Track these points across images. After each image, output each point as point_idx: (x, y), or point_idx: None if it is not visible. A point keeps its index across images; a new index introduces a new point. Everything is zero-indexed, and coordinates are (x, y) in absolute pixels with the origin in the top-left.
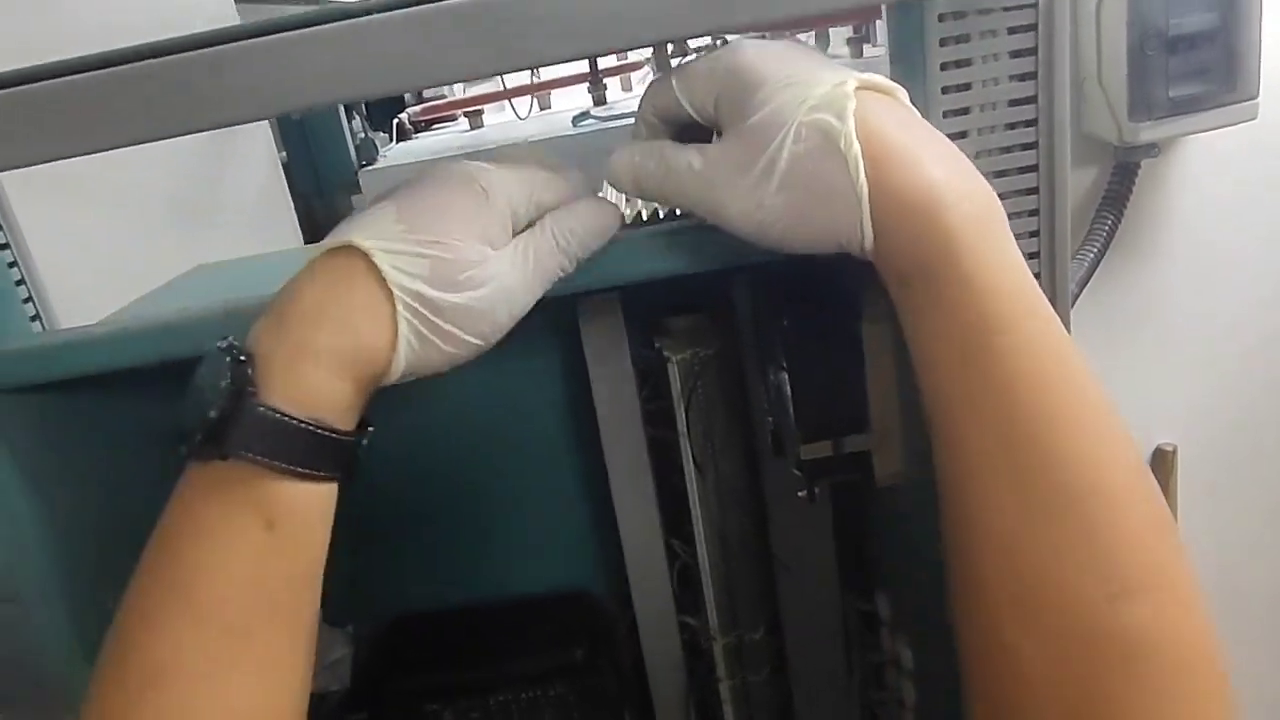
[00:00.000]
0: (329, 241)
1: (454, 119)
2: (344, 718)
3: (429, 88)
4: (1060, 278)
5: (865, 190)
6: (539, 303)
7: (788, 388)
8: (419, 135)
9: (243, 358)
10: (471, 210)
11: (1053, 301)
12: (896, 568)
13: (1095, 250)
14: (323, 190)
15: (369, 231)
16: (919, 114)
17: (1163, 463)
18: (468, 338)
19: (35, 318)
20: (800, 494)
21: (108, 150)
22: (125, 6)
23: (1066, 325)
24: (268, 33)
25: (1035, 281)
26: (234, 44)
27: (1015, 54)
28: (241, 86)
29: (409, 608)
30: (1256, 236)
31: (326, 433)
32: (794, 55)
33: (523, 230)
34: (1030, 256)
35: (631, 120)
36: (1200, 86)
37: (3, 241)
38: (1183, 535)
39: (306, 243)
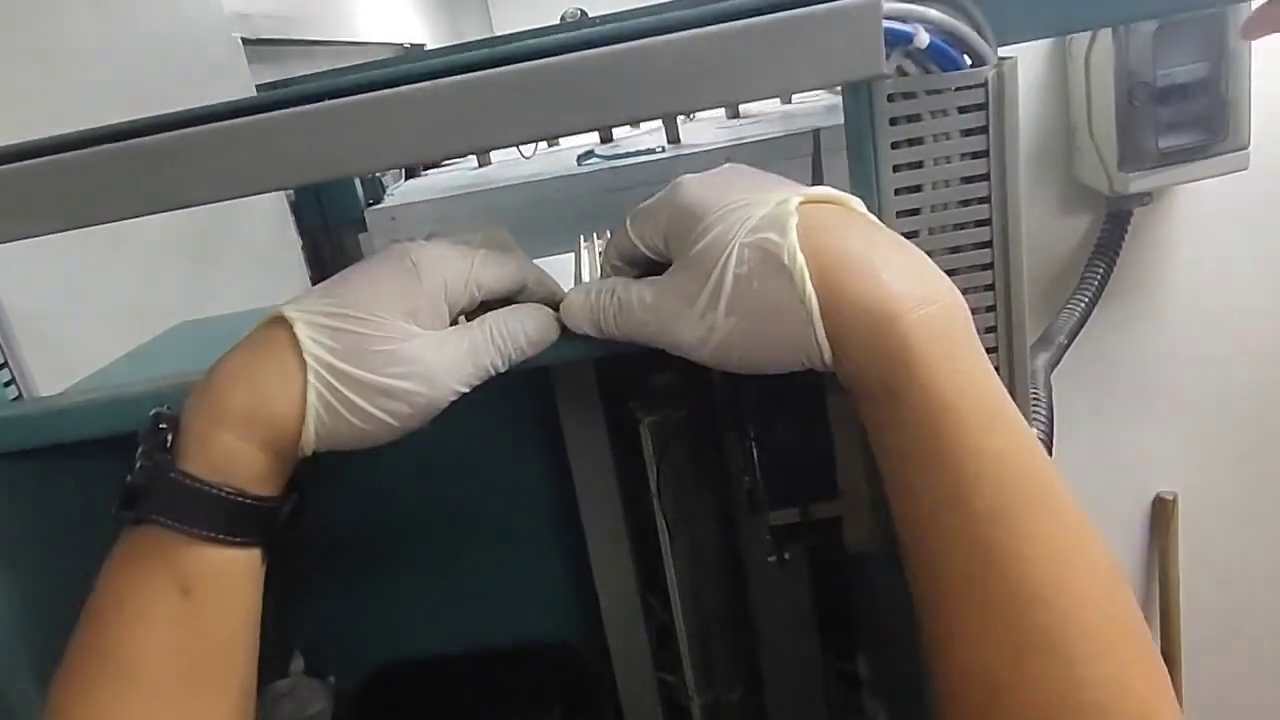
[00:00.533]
0: (269, 314)
1: (462, 156)
2: None
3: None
4: (1019, 351)
5: (814, 303)
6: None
7: (754, 455)
8: (427, 172)
9: (163, 425)
10: (399, 287)
11: (1010, 380)
12: (874, 630)
13: (1088, 298)
14: (329, 228)
15: (301, 304)
16: (875, 220)
17: (1163, 511)
18: (380, 415)
19: (10, 383)
20: (771, 559)
21: (132, 218)
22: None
23: (1024, 405)
24: (270, 108)
25: (1002, 388)
26: (252, 117)
27: (966, 132)
28: (258, 160)
29: (391, 659)
30: (1250, 283)
31: (241, 499)
32: (738, 182)
33: (465, 309)
34: (987, 330)
35: (636, 159)
36: (1190, 137)
37: None
38: (1185, 583)
39: (313, 282)
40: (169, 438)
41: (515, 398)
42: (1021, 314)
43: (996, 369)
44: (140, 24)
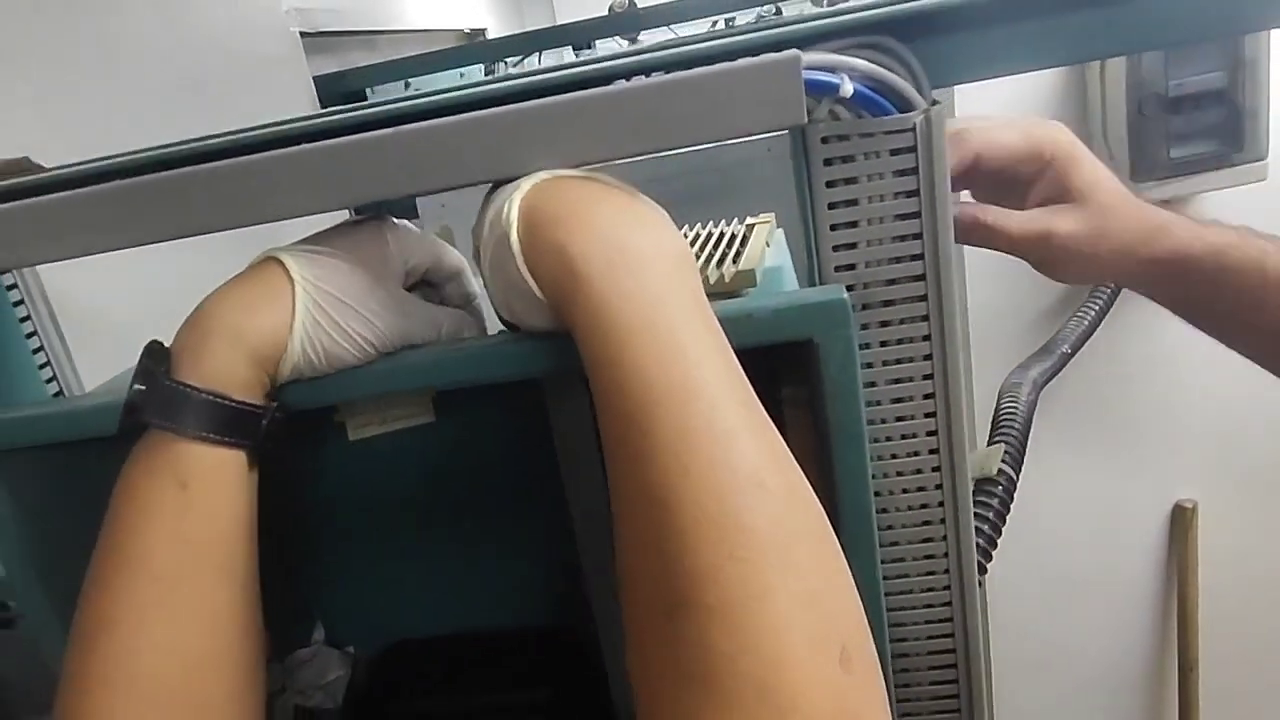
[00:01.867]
0: (264, 253)
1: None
2: None
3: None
4: (953, 375)
5: (517, 248)
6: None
7: None
8: None
9: (159, 343)
10: (374, 250)
11: (945, 402)
12: None
13: (1098, 306)
14: (381, 211)
15: (289, 247)
16: (604, 184)
17: (1182, 519)
18: (355, 336)
19: (51, 380)
20: None
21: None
22: (192, 32)
23: (959, 422)
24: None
25: (682, 316)
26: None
27: (899, 173)
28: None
29: (407, 633)
30: None
31: (228, 403)
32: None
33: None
34: (924, 358)
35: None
36: (1205, 147)
37: (24, 315)
38: (1204, 590)
39: None
40: (166, 354)
41: (514, 398)
42: (955, 342)
43: (930, 394)
44: (202, 21)
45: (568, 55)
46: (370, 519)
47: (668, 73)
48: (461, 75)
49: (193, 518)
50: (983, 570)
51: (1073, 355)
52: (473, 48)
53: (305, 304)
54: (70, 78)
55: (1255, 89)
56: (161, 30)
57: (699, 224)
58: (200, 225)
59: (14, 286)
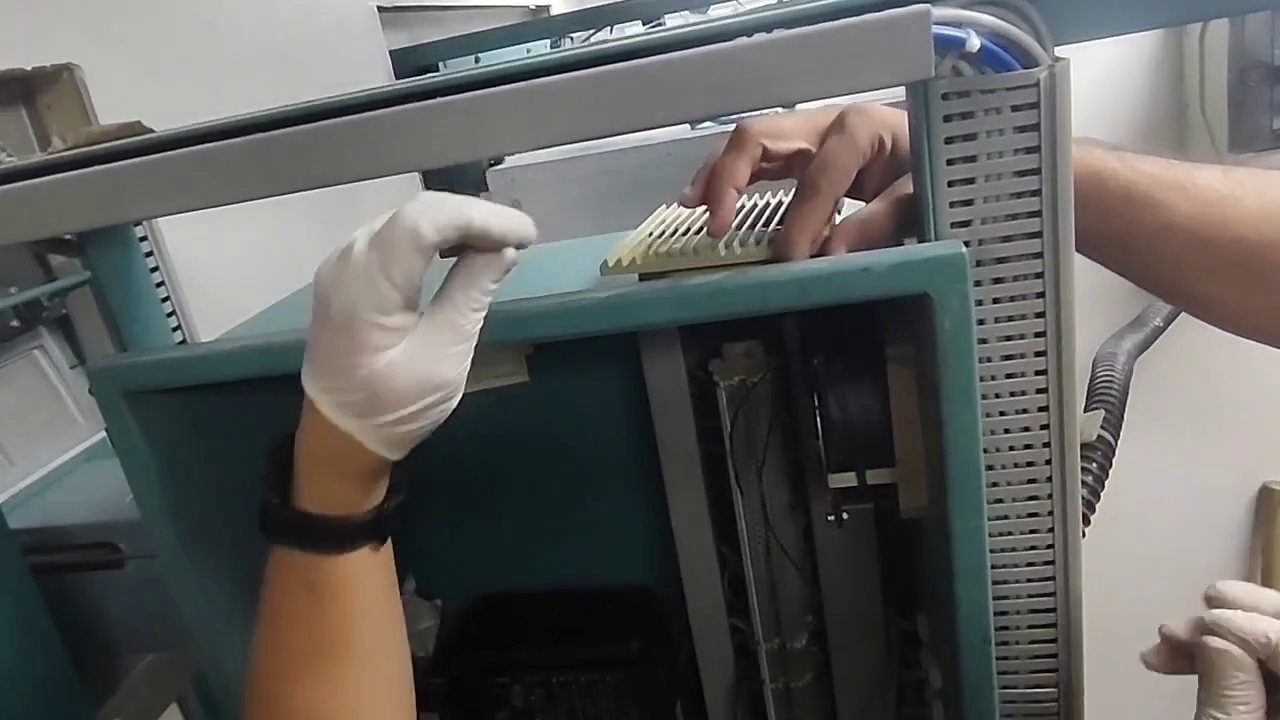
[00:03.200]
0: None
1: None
2: (426, 681)
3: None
4: (1066, 338)
5: None
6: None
7: (819, 421)
8: None
9: (278, 461)
10: (365, 338)
11: (1058, 368)
12: (929, 593)
13: None
14: (453, 189)
15: (310, 381)
16: None
17: (1269, 501)
18: (426, 422)
19: (177, 329)
20: (830, 518)
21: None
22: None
23: (1070, 394)
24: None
25: None
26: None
27: (1019, 129)
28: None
29: (493, 588)
30: None
31: (347, 522)
32: None
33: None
34: (1036, 315)
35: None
36: None
37: (154, 265)
38: None
39: None
40: (285, 477)
41: (608, 360)
42: (1070, 305)
43: (1042, 352)
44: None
45: (635, 30)
46: (463, 477)
47: (790, 29)
48: (529, 50)
49: (322, 613)
50: (1091, 512)
51: (1165, 329)
52: (539, 23)
53: (373, 438)
54: (170, 54)
55: None
56: (251, 8)
57: (745, 197)
58: (289, 184)
59: (145, 239)
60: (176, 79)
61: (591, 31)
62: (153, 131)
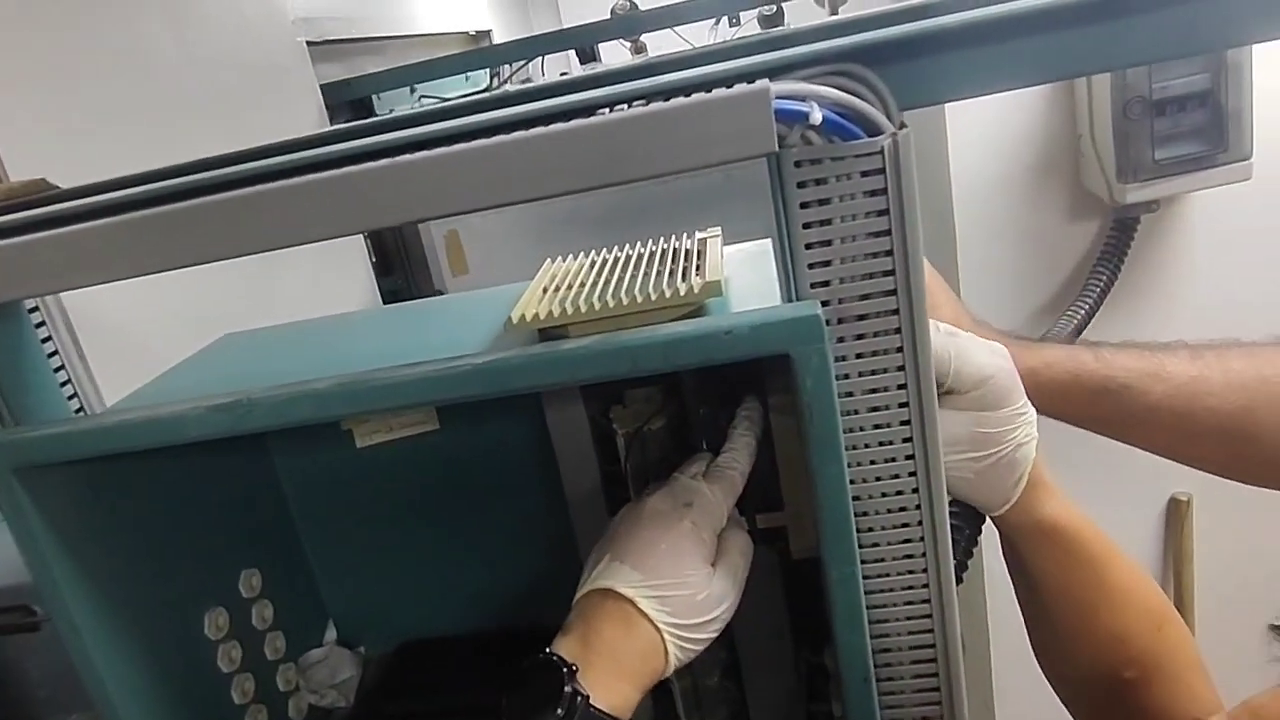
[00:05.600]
0: (592, 584)
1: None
2: None
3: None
4: (926, 387)
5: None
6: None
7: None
8: None
9: (573, 668)
10: (691, 546)
11: (921, 418)
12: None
13: (1089, 304)
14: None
15: (628, 581)
16: None
17: (1177, 512)
18: (708, 637)
19: (73, 397)
20: None
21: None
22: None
23: (930, 431)
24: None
25: None
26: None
27: (870, 194)
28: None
29: (416, 633)
30: (1257, 289)
31: None
32: None
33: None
34: (897, 369)
35: None
36: (1189, 148)
37: (45, 335)
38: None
39: (376, 271)
40: (566, 667)
41: (513, 407)
42: (927, 353)
43: (905, 403)
44: (208, 35)
45: (572, 59)
46: (379, 522)
47: (648, 102)
48: (467, 79)
49: None
50: (964, 568)
51: None
52: (477, 53)
53: (675, 644)
54: (79, 94)
55: (1238, 90)
56: (168, 45)
57: (650, 240)
58: (213, 253)
59: (35, 309)
60: (93, 128)
61: (525, 62)
62: (57, 189)
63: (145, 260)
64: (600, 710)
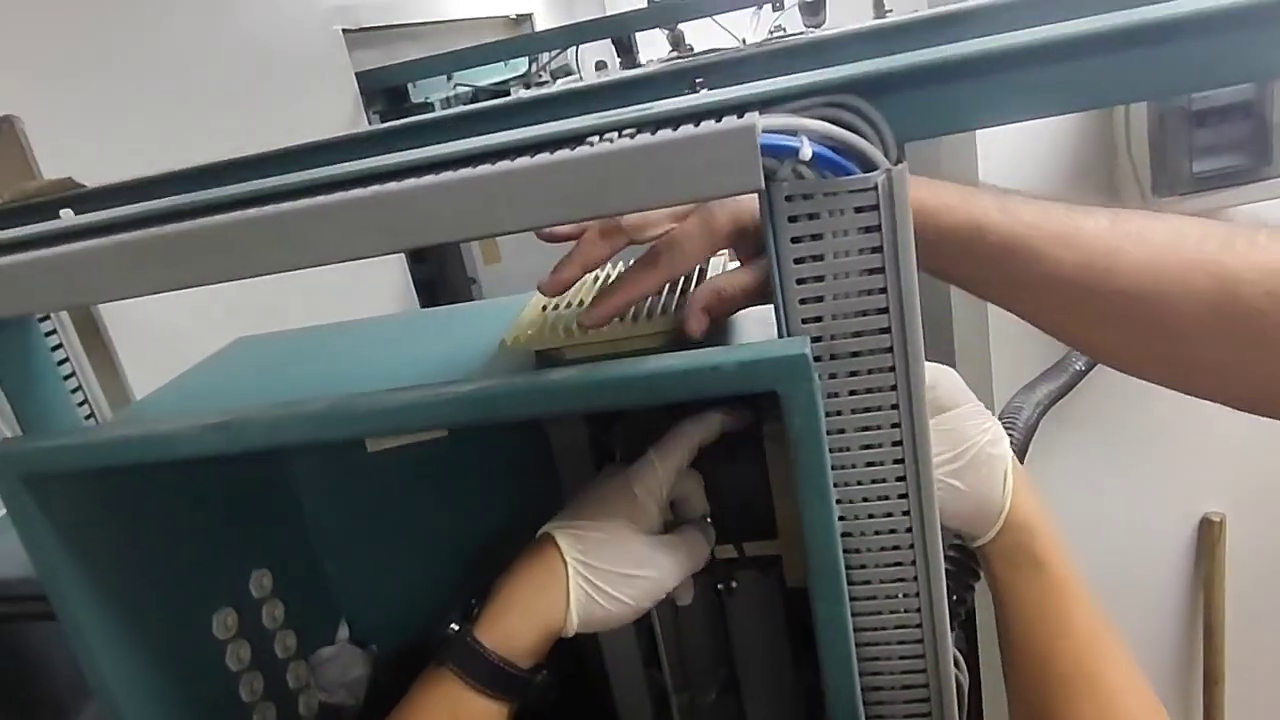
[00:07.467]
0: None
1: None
2: None
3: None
4: (919, 422)
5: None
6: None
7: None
8: None
9: (474, 601)
10: (625, 507)
11: (914, 455)
12: None
13: None
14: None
15: (558, 523)
16: None
17: (1210, 532)
18: (621, 597)
19: (83, 403)
20: (720, 587)
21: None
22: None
23: (924, 469)
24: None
25: None
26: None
27: (863, 230)
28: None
29: (427, 635)
30: None
31: (509, 669)
32: None
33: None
34: (891, 408)
35: None
36: (1230, 161)
37: (56, 343)
38: (1230, 605)
39: (410, 259)
40: (475, 611)
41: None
42: (920, 391)
43: (898, 441)
44: (244, 26)
45: (609, 49)
46: (391, 524)
47: (636, 133)
48: (505, 65)
49: None
50: (963, 603)
51: (1087, 372)
52: (509, 43)
53: (577, 582)
54: (115, 90)
55: None
56: (203, 38)
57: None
58: (240, 270)
59: (46, 318)
60: (126, 123)
61: (556, 53)
62: (84, 187)
63: (164, 279)
64: (475, 641)
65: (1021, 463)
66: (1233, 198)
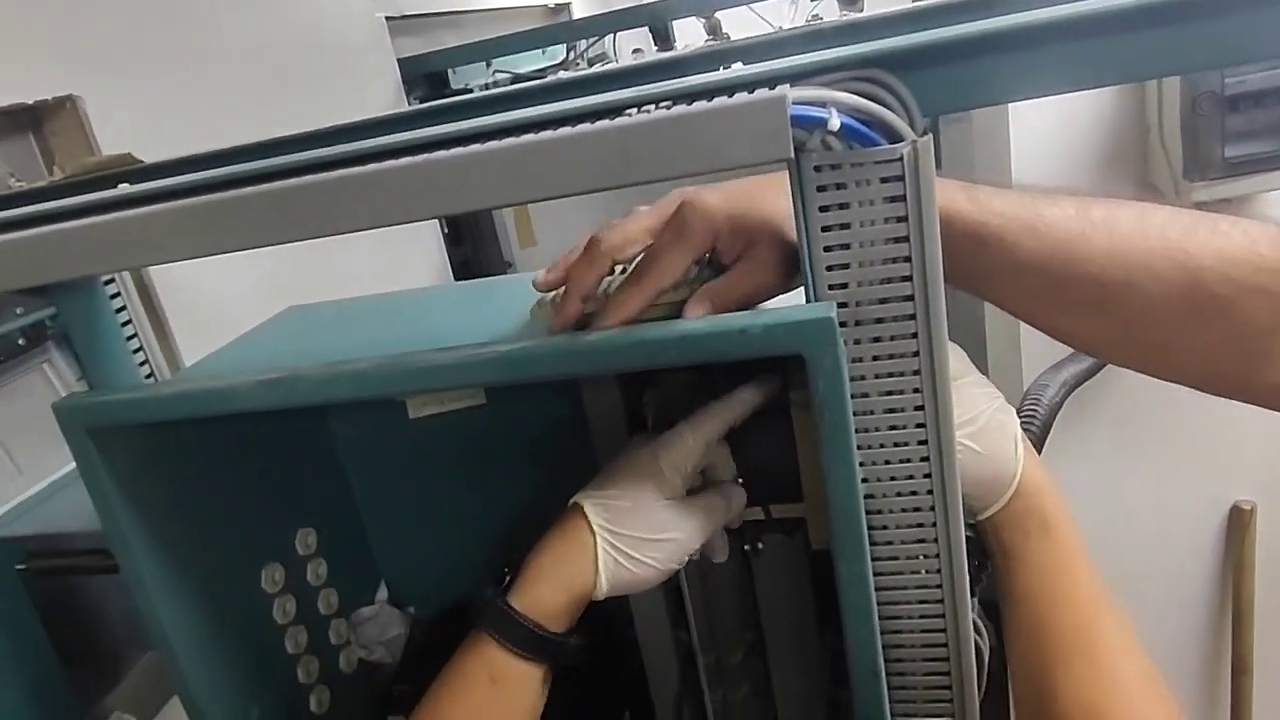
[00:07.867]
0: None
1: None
2: (391, 688)
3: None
4: (941, 390)
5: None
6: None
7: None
8: None
9: (507, 570)
10: (651, 477)
11: (936, 426)
12: None
13: None
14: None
15: (587, 492)
16: None
17: (1240, 520)
18: (647, 560)
19: (144, 363)
20: (746, 548)
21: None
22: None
23: (945, 430)
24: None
25: None
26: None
27: (889, 200)
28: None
29: (464, 598)
30: None
31: (541, 632)
32: None
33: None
34: (913, 373)
35: None
36: (1264, 146)
37: (120, 305)
38: (1261, 592)
39: (448, 241)
40: (509, 578)
41: (554, 385)
42: (943, 358)
43: (920, 406)
44: (289, 16)
45: (646, 37)
46: (430, 489)
47: (671, 105)
48: (544, 54)
49: (495, 707)
50: (984, 569)
51: None
52: (547, 30)
53: (604, 548)
54: (167, 76)
55: None
56: (249, 27)
57: None
58: (289, 234)
59: (110, 281)
60: (179, 104)
61: (593, 41)
62: (142, 163)
63: (221, 240)
64: (509, 607)
65: (1044, 440)
66: (1265, 183)
